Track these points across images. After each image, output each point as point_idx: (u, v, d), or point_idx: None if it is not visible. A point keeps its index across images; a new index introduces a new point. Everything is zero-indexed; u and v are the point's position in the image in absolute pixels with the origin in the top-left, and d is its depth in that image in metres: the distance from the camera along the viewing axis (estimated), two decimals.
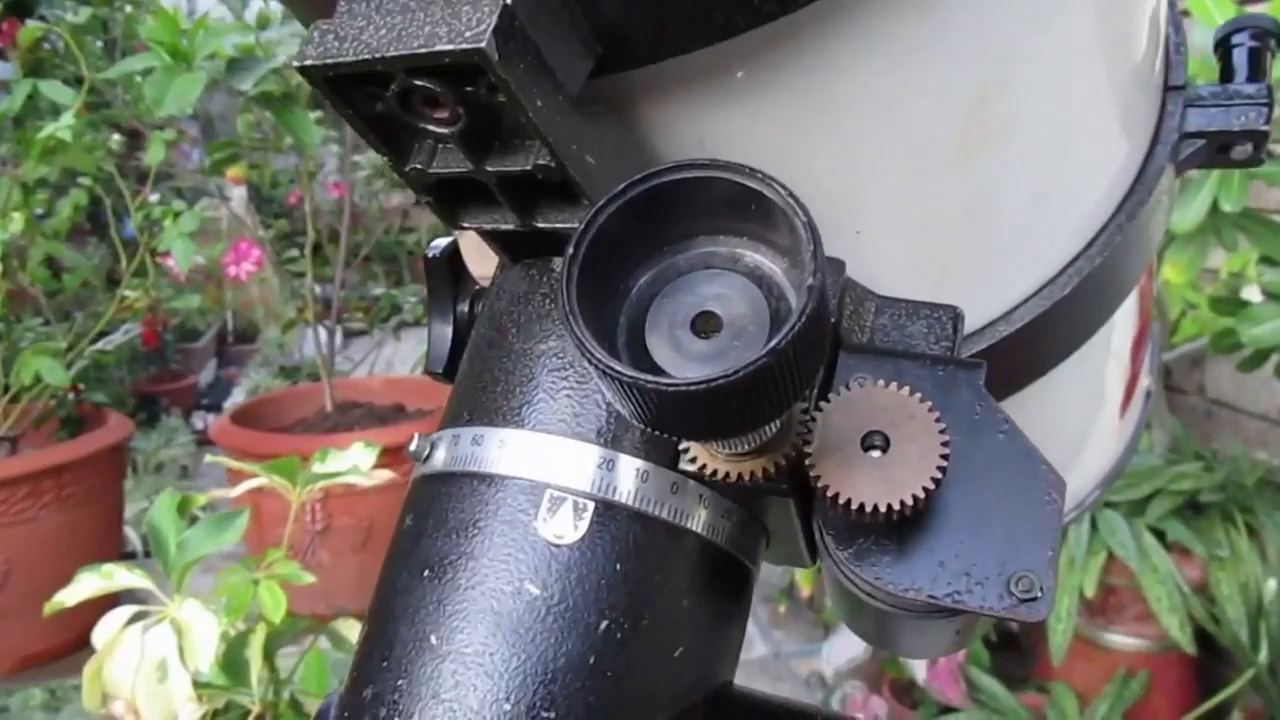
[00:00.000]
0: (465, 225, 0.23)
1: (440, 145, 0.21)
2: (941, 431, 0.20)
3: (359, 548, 1.46)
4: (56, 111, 1.38)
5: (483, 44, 0.17)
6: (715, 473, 0.21)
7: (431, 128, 0.20)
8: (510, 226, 0.23)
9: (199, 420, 2.48)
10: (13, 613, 1.41)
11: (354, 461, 0.84)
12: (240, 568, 0.76)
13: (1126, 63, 0.28)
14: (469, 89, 0.19)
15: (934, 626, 0.23)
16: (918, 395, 0.20)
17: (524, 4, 0.18)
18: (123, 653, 0.70)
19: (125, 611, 0.72)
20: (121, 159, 1.74)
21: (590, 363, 0.16)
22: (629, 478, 0.21)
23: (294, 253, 2.16)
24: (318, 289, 1.94)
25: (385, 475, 0.84)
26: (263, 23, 1.32)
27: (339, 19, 0.19)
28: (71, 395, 1.67)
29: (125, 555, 1.69)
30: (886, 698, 1.24)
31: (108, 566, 0.75)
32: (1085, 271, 0.27)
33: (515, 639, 0.20)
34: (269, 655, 0.74)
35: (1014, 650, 1.32)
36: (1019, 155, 0.25)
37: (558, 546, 0.21)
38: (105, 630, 0.71)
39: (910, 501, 0.19)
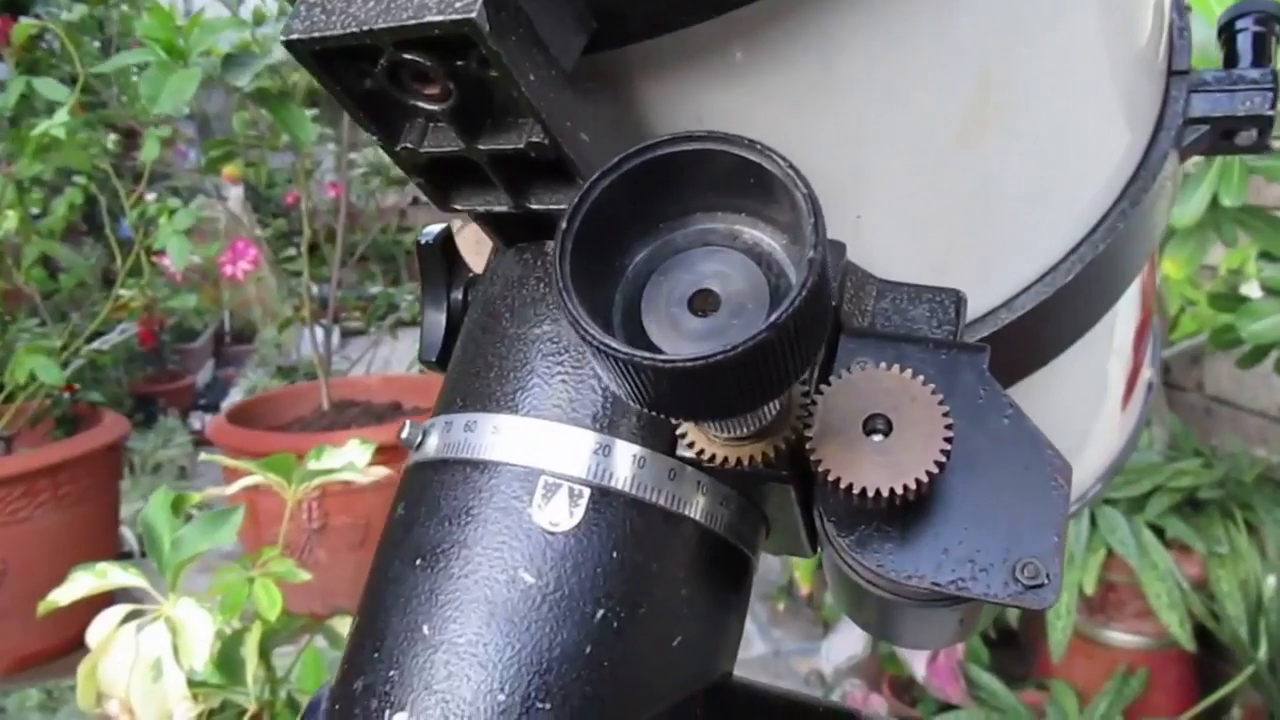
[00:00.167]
0: (457, 207, 0.23)
1: (431, 124, 0.21)
2: (945, 415, 0.19)
3: (356, 546, 1.45)
4: (52, 110, 1.38)
5: (473, 14, 0.17)
6: (714, 458, 0.21)
7: (422, 105, 0.20)
8: (504, 208, 0.22)
9: (196, 420, 2.47)
10: (8, 613, 1.41)
11: (350, 459, 0.84)
12: (236, 566, 0.76)
13: (1130, 46, 0.27)
14: (459, 63, 0.18)
15: (937, 615, 0.22)
16: (920, 378, 0.20)
17: None
18: (117, 652, 0.69)
19: (119, 610, 0.71)
20: (118, 159, 1.74)
21: (584, 340, 0.16)
22: (625, 464, 0.21)
23: (291, 252, 2.15)
24: (315, 288, 1.94)
25: (382, 472, 0.83)
26: (258, 19, 1.31)
27: None
28: (67, 395, 1.67)
29: (122, 555, 1.69)
30: (886, 695, 1.24)
31: (102, 565, 0.74)
32: (1088, 258, 0.27)
33: (510, 628, 0.20)
34: (265, 654, 0.74)
35: (1013, 647, 1.32)
36: (1022, 139, 0.25)
37: (553, 534, 0.20)
38: (99, 629, 0.71)
39: (913, 486, 0.19)
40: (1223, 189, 0.81)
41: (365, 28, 0.18)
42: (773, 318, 0.15)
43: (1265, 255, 0.90)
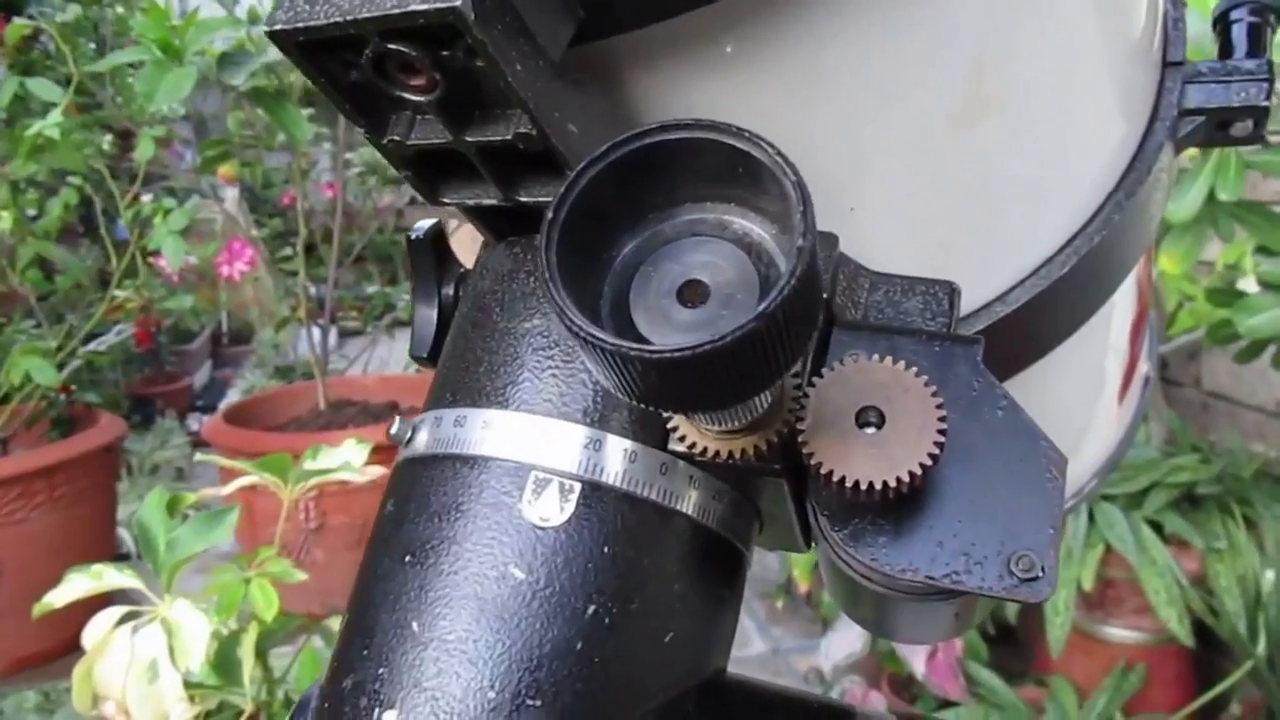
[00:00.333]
0: (446, 201, 0.23)
1: (419, 116, 0.20)
2: (938, 407, 0.19)
3: (354, 546, 1.45)
4: (47, 111, 1.37)
5: (457, 3, 0.17)
6: (705, 451, 0.21)
7: (409, 96, 0.20)
8: (493, 201, 0.22)
9: (194, 422, 2.47)
10: (5, 615, 1.40)
11: (346, 458, 0.84)
12: (232, 566, 0.75)
13: (1124, 36, 0.27)
14: (445, 53, 0.18)
15: (933, 609, 0.22)
16: (913, 370, 0.20)
17: None
18: (113, 653, 0.69)
19: (115, 612, 0.71)
20: (114, 160, 1.73)
21: (571, 331, 0.16)
22: (617, 458, 0.21)
23: (287, 252, 2.15)
24: (311, 288, 1.94)
25: (379, 472, 0.83)
26: (254, 18, 1.31)
27: None
28: (62, 396, 1.66)
29: (119, 557, 1.68)
30: (885, 692, 1.24)
31: (97, 566, 0.74)
32: (1084, 251, 0.26)
33: (500, 625, 0.20)
34: (262, 654, 0.74)
35: (1012, 644, 1.32)
36: (1016, 130, 0.25)
37: (543, 529, 0.20)
38: (95, 631, 0.70)
39: (906, 478, 0.19)
40: (1219, 184, 0.81)
41: (349, 18, 0.18)
42: (761, 307, 0.15)
43: (1262, 250, 0.90)
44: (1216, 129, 0.31)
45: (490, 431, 0.21)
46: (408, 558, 0.21)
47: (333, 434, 1.52)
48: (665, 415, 0.21)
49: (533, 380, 0.22)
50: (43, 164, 1.42)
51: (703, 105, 0.22)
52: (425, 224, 0.29)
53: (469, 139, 0.20)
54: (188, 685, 0.69)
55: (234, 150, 1.60)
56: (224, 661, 0.73)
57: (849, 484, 0.19)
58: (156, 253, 1.54)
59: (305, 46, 0.19)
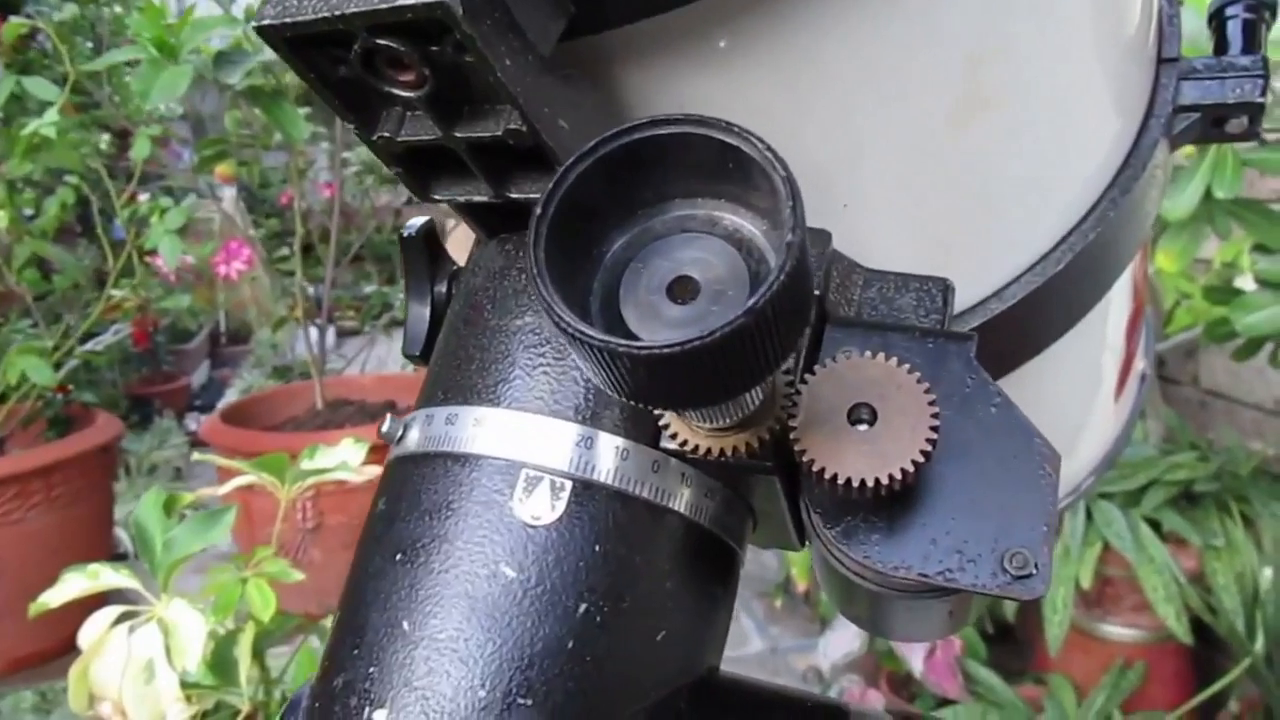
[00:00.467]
0: (437, 198, 0.22)
1: (409, 112, 0.20)
2: (931, 403, 0.19)
3: (350, 545, 1.43)
4: (44, 110, 1.37)
5: None
6: (697, 449, 0.20)
7: (398, 92, 0.19)
8: (483, 198, 0.22)
9: (192, 421, 2.46)
10: (1, 614, 1.40)
11: (344, 458, 0.83)
12: (229, 566, 0.75)
13: (1119, 32, 0.27)
14: (434, 49, 0.18)
15: (927, 607, 0.22)
16: (906, 366, 0.19)
17: None
18: (109, 653, 0.69)
19: (111, 612, 0.71)
20: (111, 159, 1.73)
21: (560, 328, 0.16)
22: (608, 456, 0.21)
23: (285, 251, 2.15)
24: (309, 288, 1.93)
25: (376, 471, 0.83)
26: (250, 16, 1.31)
27: None
28: (59, 396, 1.66)
29: (117, 556, 1.68)
30: (884, 691, 1.24)
31: (94, 566, 0.74)
32: (1079, 247, 0.26)
33: (490, 623, 0.19)
34: (259, 654, 0.74)
35: (1011, 642, 1.32)
36: (1010, 127, 0.25)
37: (534, 527, 0.20)
38: (91, 631, 0.70)
39: (899, 475, 0.19)
40: (1216, 182, 0.81)
41: (337, 12, 0.17)
42: (750, 303, 0.15)
43: (1259, 248, 0.90)
44: (1212, 125, 0.31)
45: (482, 429, 0.21)
46: (399, 556, 0.21)
47: (330, 433, 1.52)
48: (657, 413, 0.21)
49: (524, 378, 0.22)
50: (39, 163, 1.42)
51: (695, 101, 0.22)
52: (417, 221, 0.29)
53: (459, 135, 0.20)
54: (184, 685, 0.69)
55: (231, 150, 1.60)
56: (221, 661, 0.73)
57: (841, 481, 0.19)
58: (154, 252, 1.54)
59: (294, 42, 0.19)
